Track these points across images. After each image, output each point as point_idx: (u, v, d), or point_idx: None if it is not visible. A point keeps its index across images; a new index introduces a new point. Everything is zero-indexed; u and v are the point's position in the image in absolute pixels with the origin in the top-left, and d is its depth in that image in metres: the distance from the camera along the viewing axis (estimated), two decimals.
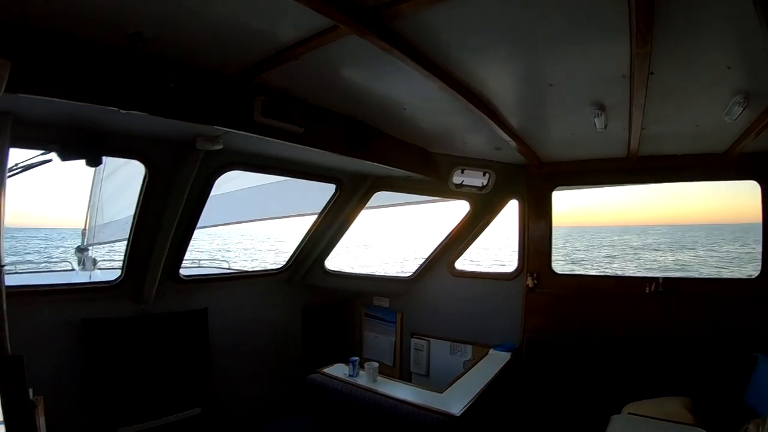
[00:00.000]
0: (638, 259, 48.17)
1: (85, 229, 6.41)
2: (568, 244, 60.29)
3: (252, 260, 42.85)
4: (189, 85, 2.40)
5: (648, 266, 42.97)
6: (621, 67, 2.18)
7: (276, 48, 2.21)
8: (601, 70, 2.32)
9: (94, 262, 6.15)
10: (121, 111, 2.18)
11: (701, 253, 50.45)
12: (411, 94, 2.81)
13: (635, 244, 63.47)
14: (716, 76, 2.30)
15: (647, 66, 2.04)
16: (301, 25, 1.96)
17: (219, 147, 2.92)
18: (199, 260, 8.53)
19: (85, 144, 2.69)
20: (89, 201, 6.27)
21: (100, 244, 6.22)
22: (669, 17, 1.68)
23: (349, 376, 3.64)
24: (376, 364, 3.62)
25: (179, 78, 2.35)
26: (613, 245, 61.07)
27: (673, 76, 2.31)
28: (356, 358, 3.73)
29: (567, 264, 41.27)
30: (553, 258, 4.52)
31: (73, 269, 6.64)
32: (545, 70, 2.43)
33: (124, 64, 2.12)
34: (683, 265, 41.71)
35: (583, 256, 48.78)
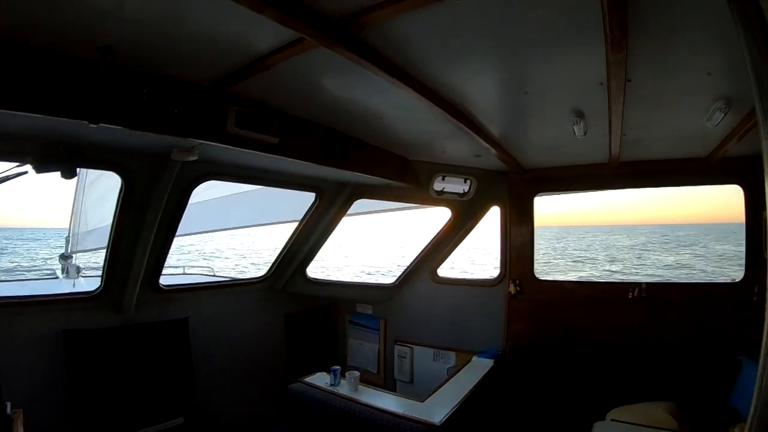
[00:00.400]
0: (639, 258, 47.89)
1: (68, 236, 6.37)
2: (560, 245, 60.45)
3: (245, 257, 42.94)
4: (161, 97, 2.38)
5: (652, 264, 42.74)
6: (597, 74, 2.15)
7: (247, 59, 2.19)
8: (577, 78, 2.31)
9: (78, 269, 6.09)
10: (90, 125, 2.17)
11: (699, 251, 50.37)
12: (386, 103, 2.80)
13: (627, 243, 63.50)
14: (696, 83, 2.29)
15: (624, 73, 2.03)
16: (271, 36, 1.95)
17: (194, 158, 2.90)
18: (184, 267, 8.49)
19: (60, 156, 2.66)
20: (73, 207, 6.22)
21: (83, 251, 6.17)
22: (644, 23, 1.67)
23: (331, 385, 3.62)
24: (357, 373, 3.61)
25: (151, 90, 2.33)
26: (609, 245, 60.97)
27: (651, 83, 2.30)
28: (337, 367, 3.72)
29: (570, 261, 41.38)
30: (535, 263, 4.53)
31: (57, 277, 6.59)
32: (521, 78, 2.42)
33: (95, 77, 2.09)
34: (685, 264, 41.75)
35: (585, 255, 48.68)
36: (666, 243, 61.81)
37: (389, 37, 1.91)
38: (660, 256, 48.51)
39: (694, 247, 53.93)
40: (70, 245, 6.28)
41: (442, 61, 2.16)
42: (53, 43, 1.95)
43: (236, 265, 37.28)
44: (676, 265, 40.55)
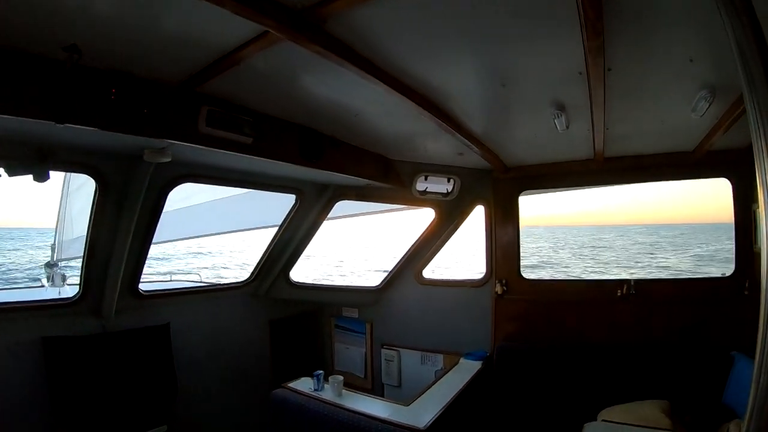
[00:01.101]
0: (654, 257, 47.08)
1: (54, 244, 6.31)
2: (560, 243, 60.46)
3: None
4: (131, 97, 2.34)
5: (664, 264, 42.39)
6: (576, 63, 2.08)
7: (215, 55, 2.15)
8: (555, 68, 2.24)
9: (63, 278, 6.02)
10: (57, 125, 2.12)
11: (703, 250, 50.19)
12: (360, 99, 2.76)
13: (629, 242, 63.38)
14: (678, 70, 2.23)
15: (603, 61, 1.97)
16: (236, 30, 1.91)
17: (167, 159, 2.85)
18: (171, 273, 8.43)
19: (31, 158, 2.62)
20: (58, 215, 6.17)
21: (68, 259, 6.11)
22: (621, 6, 1.62)
23: (314, 390, 3.56)
24: (341, 378, 3.56)
25: (120, 89, 2.29)
26: (612, 246, 60.77)
27: (633, 72, 2.25)
28: (321, 371, 3.65)
29: (586, 260, 41.48)
30: (522, 263, 4.48)
31: (42, 286, 6.52)
32: (495, 69, 2.35)
33: (61, 77, 2.05)
34: (701, 255, 41.57)
35: (593, 255, 48.75)
36: (661, 242, 61.84)
37: (354, 28, 1.86)
38: (663, 254, 48.50)
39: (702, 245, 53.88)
40: (55, 253, 6.22)
41: (411, 52, 2.11)
42: (16, 42, 1.91)
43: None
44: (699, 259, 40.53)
